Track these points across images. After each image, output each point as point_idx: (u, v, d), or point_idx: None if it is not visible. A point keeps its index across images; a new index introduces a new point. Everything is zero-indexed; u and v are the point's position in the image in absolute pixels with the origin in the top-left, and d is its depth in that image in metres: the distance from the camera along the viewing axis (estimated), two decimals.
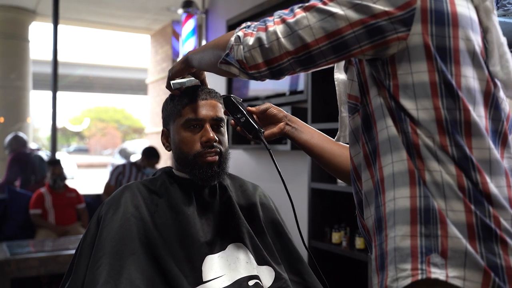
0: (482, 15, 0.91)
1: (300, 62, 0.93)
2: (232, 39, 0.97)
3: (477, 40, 0.88)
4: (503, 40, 0.92)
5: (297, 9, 0.92)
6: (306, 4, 0.91)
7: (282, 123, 1.26)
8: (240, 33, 0.96)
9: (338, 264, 3.05)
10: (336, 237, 2.92)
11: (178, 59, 4.90)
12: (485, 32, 0.91)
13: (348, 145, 1.11)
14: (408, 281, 0.82)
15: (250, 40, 0.94)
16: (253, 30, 0.95)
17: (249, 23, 0.99)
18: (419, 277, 0.81)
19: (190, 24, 4.63)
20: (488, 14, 0.90)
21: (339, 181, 2.92)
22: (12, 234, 4.40)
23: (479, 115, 0.87)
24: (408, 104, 0.86)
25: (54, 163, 4.67)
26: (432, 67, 0.85)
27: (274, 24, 0.92)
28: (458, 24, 0.86)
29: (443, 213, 0.82)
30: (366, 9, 0.85)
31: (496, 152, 0.86)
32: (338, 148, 1.24)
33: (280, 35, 0.91)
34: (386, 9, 0.85)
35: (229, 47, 0.97)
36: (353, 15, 0.86)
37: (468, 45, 0.86)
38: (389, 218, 0.87)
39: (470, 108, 0.85)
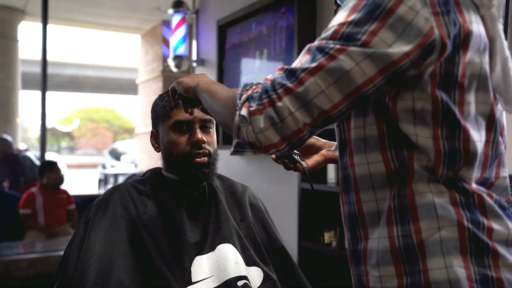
0: (488, 24, 0.85)
1: (319, 127, 0.84)
2: (237, 119, 0.85)
3: (483, 61, 0.84)
4: (508, 54, 0.88)
5: (302, 74, 0.80)
6: (313, 66, 0.79)
7: (323, 150, 1.21)
8: (245, 111, 0.83)
9: (328, 264, 3.06)
10: (326, 237, 2.93)
11: (169, 58, 4.82)
12: (490, 42, 0.85)
13: None
14: None
15: (260, 121, 0.81)
16: (258, 105, 0.82)
17: (249, 90, 0.86)
18: None
19: (181, 28, 4.63)
20: (493, 22, 0.86)
21: (329, 181, 2.93)
22: (0, 235, 4.37)
23: (481, 140, 0.85)
24: (407, 129, 0.83)
25: (51, 165, 4.62)
26: (436, 95, 0.81)
27: (281, 97, 0.80)
28: (469, 46, 0.81)
29: (423, 246, 0.81)
30: (384, 57, 0.77)
31: (493, 173, 0.87)
32: None
33: (292, 109, 0.79)
34: (406, 50, 0.76)
35: (236, 128, 0.85)
36: (370, 67, 0.77)
37: (475, 69, 0.82)
38: (370, 256, 0.87)
39: (473, 137, 0.82)
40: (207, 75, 1.10)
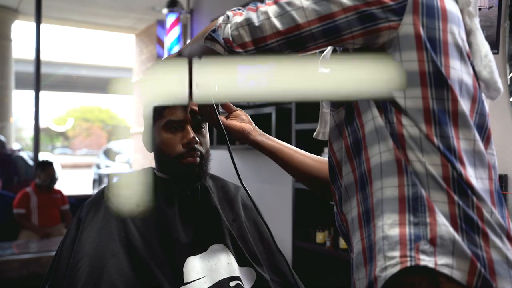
0: (465, 18, 0.93)
1: (289, 43, 0.91)
2: (221, 18, 0.95)
3: (462, 37, 0.91)
4: (486, 42, 0.94)
5: None
6: None
7: (248, 125, 1.27)
8: (230, 13, 0.95)
9: (322, 264, 3.07)
10: (320, 237, 2.94)
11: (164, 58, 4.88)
12: (468, 34, 0.93)
13: (312, 155, 1.19)
14: (397, 268, 0.80)
15: (239, 19, 0.92)
16: (243, 11, 0.94)
17: (240, 7, 0.97)
18: (408, 264, 0.80)
19: (176, 27, 4.61)
20: (471, 18, 0.94)
21: None
22: None
23: (467, 108, 0.88)
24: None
25: (46, 165, 4.60)
26: (423, 57, 0.86)
27: (266, 5, 0.92)
28: (447, 19, 0.88)
29: (431, 201, 0.83)
30: None
31: (481, 144, 0.88)
32: (305, 154, 1.26)
33: (271, 14, 0.89)
34: None
35: (217, 25, 0.95)
36: (347, 0, 0.86)
37: (456, 39, 0.89)
38: (376, 207, 0.87)
39: (459, 98, 0.86)
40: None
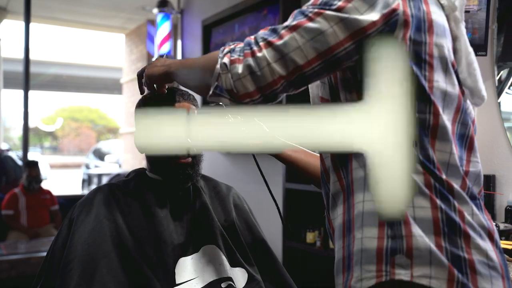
0: (451, 24, 0.94)
1: (293, 84, 0.90)
2: (218, 66, 0.91)
3: (448, 47, 0.91)
4: (471, 49, 0.96)
5: (282, 30, 0.88)
6: (293, 24, 0.88)
7: None
8: (226, 60, 0.90)
9: (312, 264, 3.08)
10: (310, 237, 2.95)
11: (154, 58, 4.80)
12: (454, 40, 0.94)
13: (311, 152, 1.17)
14: (372, 282, 0.84)
15: (239, 68, 0.88)
16: (239, 55, 0.89)
17: (232, 45, 0.93)
18: (383, 278, 0.83)
19: (166, 27, 4.60)
20: (457, 23, 0.94)
21: None
22: None
23: (449, 119, 0.90)
24: None
25: (31, 165, 4.57)
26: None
27: (262, 48, 0.88)
28: (434, 31, 0.88)
29: (407, 212, 0.85)
30: (355, 23, 0.85)
31: (456, 158, 0.89)
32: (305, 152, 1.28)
33: (270, 60, 0.87)
34: (374, 19, 0.85)
35: (216, 75, 0.91)
36: (342, 31, 0.85)
37: (441, 51, 0.89)
38: (357, 219, 0.89)
39: (441, 111, 0.88)
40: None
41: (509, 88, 2.06)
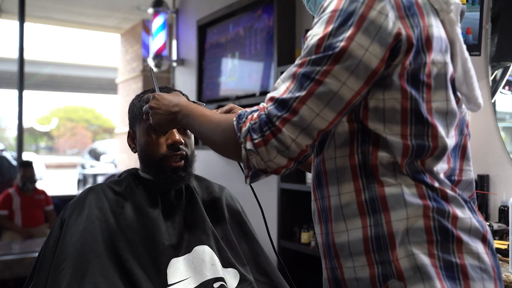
0: (447, 28, 0.91)
1: (320, 141, 0.93)
2: (244, 152, 0.90)
3: (446, 60, 0.89)
4: (467, 55, 0.94)
5: (294, 103, 0.85)
6: (303, 95, 0.84)
7: None
8: (249, 145, 0.88)
9: (307, 264, 3.08)
10: (305, 237, 2.95)
11: (149, 58, 4.77)
12: (450, 44, 0.92)
13: None
14: None
15: (267, 152, 0.87)
16: (261, 137, 0.87)
17: (246, 123, 0.90)
18: None
19: (159, 21, 4.59)
20: (452, 26, 0.91)
21: (308, 181, 2.94)
22: None
23: (451, 135, 0.90)
24: (377, 126, 0.87)
25: (26, 165, 4.56)
26: (406, 95, 0.85)
27: (280, 128, 0.85)
28: (432, 48, 0.86)
29: (393, 236, 0.85)
30: (365, 69, 0.82)
31: (445, 179, 0.90)
32: None
33: (293, 136, 0.85)
34: (381, 56, 0.82)
35: (245, 161, 0.91)
36: (355, 82, 0.83)
37: (439, 69, 0.87)
38: (342, 248, 0.90)
39: (442, 134, 0.87)
40: (179, 93, 1.16)
41: (503, 88, 2.06)
